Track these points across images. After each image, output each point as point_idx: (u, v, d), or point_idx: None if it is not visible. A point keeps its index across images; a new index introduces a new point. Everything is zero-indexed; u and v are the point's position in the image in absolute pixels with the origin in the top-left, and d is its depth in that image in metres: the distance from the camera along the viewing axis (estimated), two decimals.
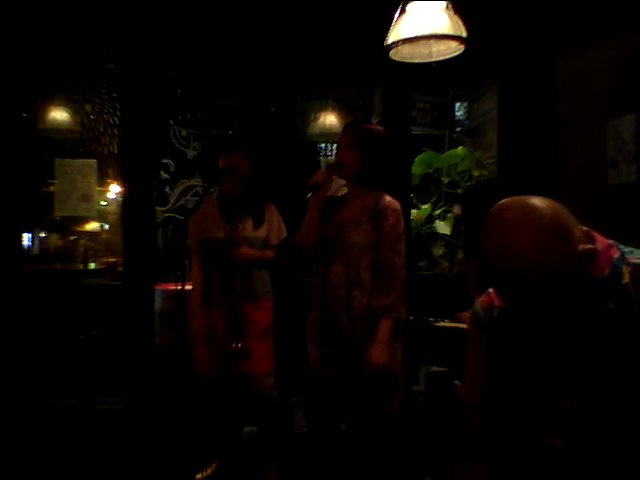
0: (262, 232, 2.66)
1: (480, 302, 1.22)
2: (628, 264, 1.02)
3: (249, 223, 2.64)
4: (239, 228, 2.58)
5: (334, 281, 2.15)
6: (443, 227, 4.32)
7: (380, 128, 2.31)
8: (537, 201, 0.98)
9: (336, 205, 2.27)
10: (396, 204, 2.20)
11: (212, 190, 3.71)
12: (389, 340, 2.07)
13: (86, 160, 3.98)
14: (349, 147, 2.18)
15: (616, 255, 1.03)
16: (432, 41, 2.25)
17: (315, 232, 2.21)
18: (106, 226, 5.66)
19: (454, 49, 2.27)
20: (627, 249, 1.06)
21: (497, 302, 1.17)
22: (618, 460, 1.05)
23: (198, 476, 2.70)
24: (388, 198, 2.21)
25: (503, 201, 1.01)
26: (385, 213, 2.14)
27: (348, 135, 2.21)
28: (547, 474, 1.13)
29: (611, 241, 1.07)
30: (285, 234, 2.71)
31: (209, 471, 2.73)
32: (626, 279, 1.01)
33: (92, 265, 4.59)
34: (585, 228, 1.05)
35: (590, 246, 0.98)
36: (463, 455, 1.24)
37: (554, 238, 0.94)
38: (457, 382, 1.30)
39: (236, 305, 2.55)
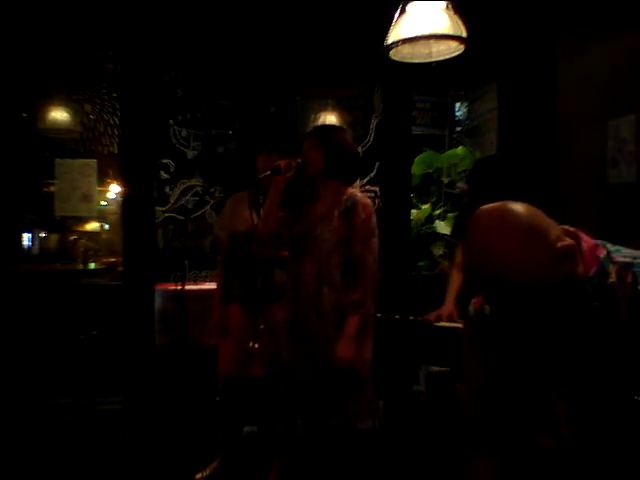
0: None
1: (473, 302, 1.23)
2: (614, 263, 1.04)
3: None
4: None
5: (305, 278, 2.17)
6: (443, 227, 4.32)
7: (342, 132, 2.37)
8: (512, 206, 1.01)
9: (307, 201, 2.29)
10: (368, 200, 2.24)
11: (212, 190, 3.72)
12: (356, 335, 2.08)
13: (86, 160, 3.97)
14: (312, 148, 2.22)
15: (602, 254, 1.05)
16: (432, 41, 2.25)
17: (275, 217, 2.21)
18: (106, 226, 5.66)
19: (454, 49, 2.27)
20: (614, 248, 1.07)
21: None
22: (605, 458, 1.05)
23: (198, 476, 2.70)
24: (359, 194, 2.26)
25: (481, 208, 1.04)
26: (356, 209, 2.16)
27: (310, 139, 2.27)
28: (537, 474, 1.13)
29: (598, 241, 1.08)
30: None
31: (208, 471, 2.73)
32: (612, 278, 1.02)
33: (92, 265, 4.60)
34: (572, 229, 1.06)
35: (568, 242, 0.99)
36: (473, 453, 1.24)
37: (531, 241, 0.96)
38: (458, 384, 1.31)
39: (256, 302, 2.52)
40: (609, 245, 1.07)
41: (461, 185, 4.18)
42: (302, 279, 2.18)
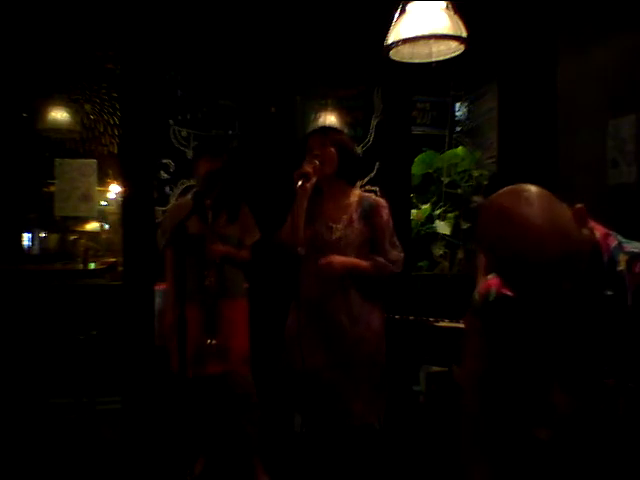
0: (235, 230, 2.70)
1: (478, 289, 1.24)
2: (625, 252, 1.04)
3: (223, 220, 2.68)
4: (213, 225, 2.63)
5: (328, 280, 2.16)
6: (443, 227, 4.33)
7: (344, 134, 2.45)
8: (519, 184, 1.02)
9: (311, 203, 2.26)
10: (384, 201, 2.29)
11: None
12: (354, 267, 2.15)
13: (86, 160, 3.98)
14: (325, 146, 2.22)
15: (613, 244, 1.05)
16: (432, 41, 2.25)
17: (303, 224, 2.21)
18: (106, 226, 5.67)
19: (454, 49, 2.27)
20: (625, 240, 1.08)
21: (495, 288, 1.18)
22: (607, 452, 1.05)
23: (188, 478, 2.69)
24: (373, 196, 2.32)
25: (495, 195, 1.03)
26: (377, 210, 2.22)
27: (320, 137, 2.26)
28: (534, 465, 1.14)
29: (610, 231, 1.09)
30: (259, 236, 2.75)
31: (196, 471, 2.73)
32: (621, 266, 1.03)
33: (92, 265, 4.60)
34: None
35: (578, 205, 1.00)
36: (469, 445, 1.25)
37: (550, 204, 0.98)
38: (455, 367, 1.33)
39: (210, 301, 2.57)
40: (620, 237, 1.08)
41: (478, 199, 4.20)
42: (325, 283, 2.18)
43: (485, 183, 4.25)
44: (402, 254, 2.23)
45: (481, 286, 1.23)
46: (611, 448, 1.05)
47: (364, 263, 2.17)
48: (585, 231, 1.01)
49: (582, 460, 1.08)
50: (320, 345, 2.18)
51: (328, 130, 2.41)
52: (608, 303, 1.02)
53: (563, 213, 0.98)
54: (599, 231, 1.06)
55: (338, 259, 2.15)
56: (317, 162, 2.18)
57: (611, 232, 1.08)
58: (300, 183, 2.14)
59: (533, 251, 0.94)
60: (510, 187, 1.02)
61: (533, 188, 1.00)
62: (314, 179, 2.16)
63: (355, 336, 2.15)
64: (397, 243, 2.24)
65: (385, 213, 2.23)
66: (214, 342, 2.54)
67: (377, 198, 2.30)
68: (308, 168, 2.16)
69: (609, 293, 1.02)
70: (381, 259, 2.18)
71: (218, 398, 2.75)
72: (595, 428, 1.05)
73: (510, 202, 0.98)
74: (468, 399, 1.26)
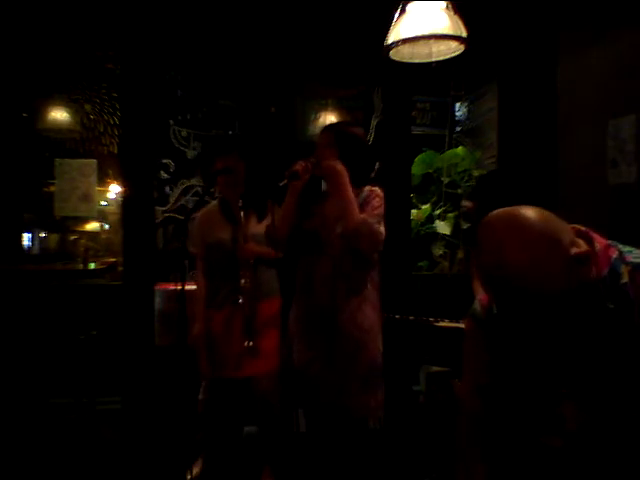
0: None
1: (479, 300, 1.22)
2: (627, 263, 1.03)
3: (252, 220, 2.65)
4: (244, 225, 2.59)
5: (320, 275, 2.16)
6: (443, 227, 4.33)
7: (358, 128, 2.36)
8: (524, 212, 0.99)
9: (316, 200, 2.27)
10: (379, 190, 2.23)
11: (212, 190, 3.72)
12: (348, 198, 2.07)
13: (86, 160, 3.98)
14: (327, 146, 2.20)
15: (614, 255, 1.04)
16: (432, 41, 2.25)
17: (289, 223, 2.21)
18: (106, 226, 5.66)
19: (454, 49, 2.27)
20: (626, 249, 1.06)
21: None
22: (616, 460, 1.05)
23: (188, 477, 2.69)
24: (370, 187, 2.24)
25: (492, 214, 1.02)
26: (370, 197, 2.18)
27: (326, 136, 2.24)
28: (544, 474, 1.13)
29: (610, 241, 1.07)
30: None
31: (195, 470, 2.72)
32: (625, 278, 1.01)
33: (92, 265, 4.59)
34: (583, 228, 1.05)
35: (584, 249, 0.99)
36: (463, 455, 1.23)
37: (544, 249, 0.95)
38: (455, 380, 1.31)
39: (247, 304, 2.55)
40: (620, 246, 1.06)
41: (467, 204, 4.20)
42: (316, 276, 2.18)
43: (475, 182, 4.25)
44: (384, 233, 2.13)
45: (483, 297, 1.21)
46: (621, 460, 1.04)
47: (357, 210, 2.09)
48: (578, 273, 0.98)
49: (592, 470, 1.07)
50: (308, 338, 2.19)
51: (336, 128, 2.36)
52: (611, 316, 1.01)
53: (553, 255, 0.95)
54: (599, 243, 1.04)
55: (345, 176, 2.09)
56: (313, 160, 2.17)
57: (611, 243, 1.06)
58: (285, 181, 2.14)
59: (509, 284, 0.95)
60: (511, 214, 1.00)
61: (533, 220, 0.98)
62: (307, 176, 2.15)
63: (340, 329, 2.13)
64: (382, 227, 2.15)
65: (376, 201, 2.17)
66: (251, 344, 2.52)
67: (372, 188, 2.23)
68: (297, 167, 2.15)
69: (611, 306, 1.01)
70: (372, 220, 2.10)
71: (234, 398, 2.74)
72: (605, 440, 1.04)
73: (503, 234, 0.97)
74: (468, 409, 1.24)
